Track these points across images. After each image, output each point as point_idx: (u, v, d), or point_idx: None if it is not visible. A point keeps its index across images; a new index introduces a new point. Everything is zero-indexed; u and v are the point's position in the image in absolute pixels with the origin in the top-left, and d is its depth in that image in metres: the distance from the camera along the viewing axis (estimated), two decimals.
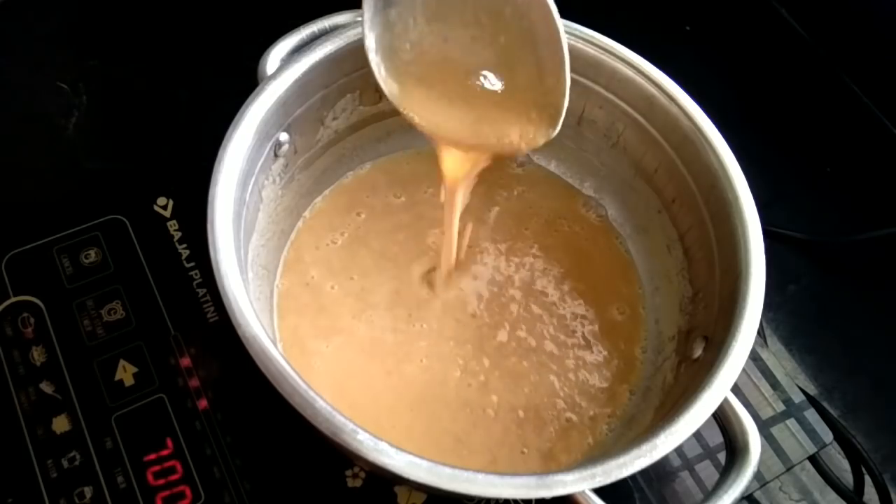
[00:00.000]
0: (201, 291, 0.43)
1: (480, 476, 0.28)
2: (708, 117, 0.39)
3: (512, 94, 0.37)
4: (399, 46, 0.37)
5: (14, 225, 0.45)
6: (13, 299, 0.42)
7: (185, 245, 0.45)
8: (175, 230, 0.45)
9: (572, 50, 0.41)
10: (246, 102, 0.36)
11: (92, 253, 0.44)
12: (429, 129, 0.38)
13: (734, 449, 0.32)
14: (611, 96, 0.42)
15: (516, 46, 0.36)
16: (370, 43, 0.36)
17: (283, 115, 0.38)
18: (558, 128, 0.36)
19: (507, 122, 0.37)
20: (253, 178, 0.36)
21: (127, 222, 0.45)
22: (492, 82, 0.37)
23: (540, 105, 0.36)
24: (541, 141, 0.37)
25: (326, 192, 0.46)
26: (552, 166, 0.49)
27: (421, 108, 0.38)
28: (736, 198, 0.37)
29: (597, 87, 0.42)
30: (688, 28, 0.65)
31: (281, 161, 0.40)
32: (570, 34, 0.40)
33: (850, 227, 0.55)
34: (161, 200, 0.46)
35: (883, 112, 0.61)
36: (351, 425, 0.28)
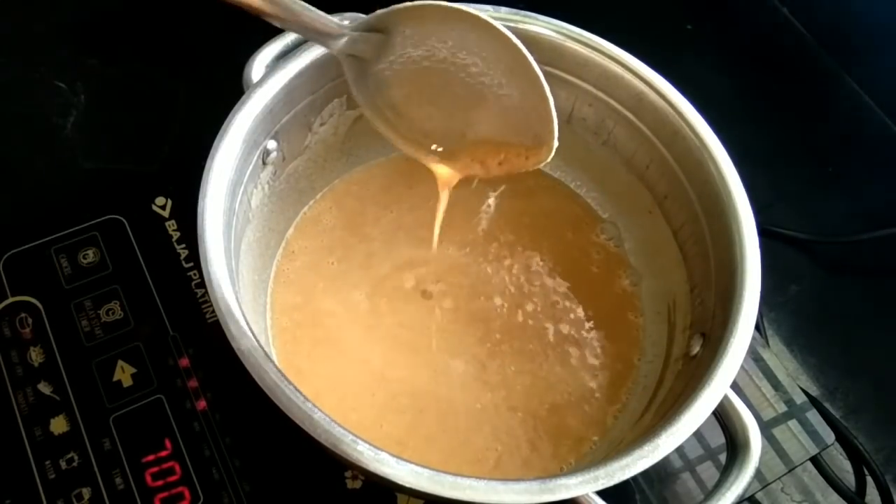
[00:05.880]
0: (200, 292, 0.43)
1: (482, 483, 0.28)
2: (699, 113, 0.38)
3: (503, 127, 0.38)
4: (386, 101, 0.38)
5: (12, 225, 0.45)
6: (11, 299, 0.42)
7: (183, 245, 0.45)
8: (173, 230, 0.45)
9: (561, 47, 0.41)
10: (232, 111, 0.35)
11: (90, 253, 0.44)
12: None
13: (735, 445, 0.32)
14: (600, 94, 0.42)
15: (499, 85, 0.36)
16: (361, 100, 0.38)
17: (271, 122, 0.37)
18: (553, 150, 0.37)
19: (502, 152, 0.39)
20: (242, 188, 0.36)
21: (125, 222, 0.45)
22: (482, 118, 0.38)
23: (531, 131, 0.37)
24: (534, 165, 0.38)
25: (316, 197, 0.46)
26: (543, 165, 0.48)
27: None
28: (728, 193, 0.36)
29: (586, 85, 0.42)
30: (689, 27, 0.65)
31: (269, 169, 0.39)
32: (559, 32, 0.40)
33: (851, 227, 0.54)
34: (159, 200, 0.46)
35: (883, 112, 0.61)
36: (350, 436, 0.28)
